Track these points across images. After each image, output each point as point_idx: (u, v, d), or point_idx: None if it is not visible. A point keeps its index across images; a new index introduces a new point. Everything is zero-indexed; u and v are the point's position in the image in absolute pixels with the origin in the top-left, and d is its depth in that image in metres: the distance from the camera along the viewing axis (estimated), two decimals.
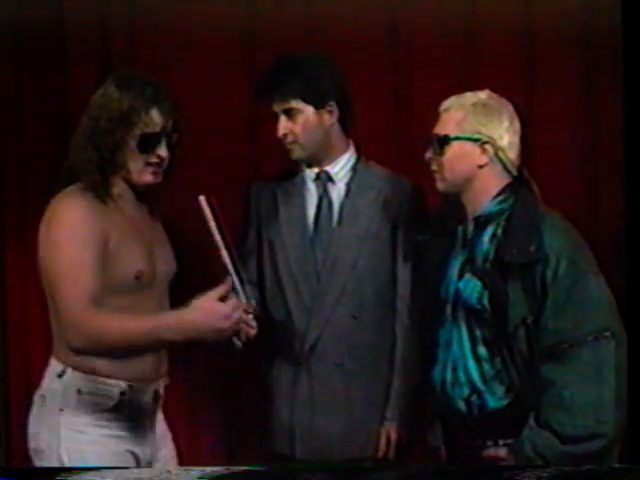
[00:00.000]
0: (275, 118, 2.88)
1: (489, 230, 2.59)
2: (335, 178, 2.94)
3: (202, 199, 2.57)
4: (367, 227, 2.89)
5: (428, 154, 2.63)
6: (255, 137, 3.45)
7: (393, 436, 2.90)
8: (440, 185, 2.63)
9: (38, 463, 2.56)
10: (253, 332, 2.68)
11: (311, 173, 2.95)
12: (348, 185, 2.93)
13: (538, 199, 2.62)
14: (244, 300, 2.65)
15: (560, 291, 2.47)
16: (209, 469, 2.29)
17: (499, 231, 2.57)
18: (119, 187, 2.58)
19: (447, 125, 2.60)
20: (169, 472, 2.44)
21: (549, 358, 2.47)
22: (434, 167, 2.63)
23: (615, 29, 3.06)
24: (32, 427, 2.60)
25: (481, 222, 2.60)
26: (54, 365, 2.55)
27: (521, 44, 3.39)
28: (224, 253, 2.59)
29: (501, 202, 2.59)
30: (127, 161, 2.53)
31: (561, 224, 2.57)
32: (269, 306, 2.94)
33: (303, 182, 2.96)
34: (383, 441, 2.90)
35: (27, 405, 3.65)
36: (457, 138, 2.58)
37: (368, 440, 2.90)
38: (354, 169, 2.95)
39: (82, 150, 2.54)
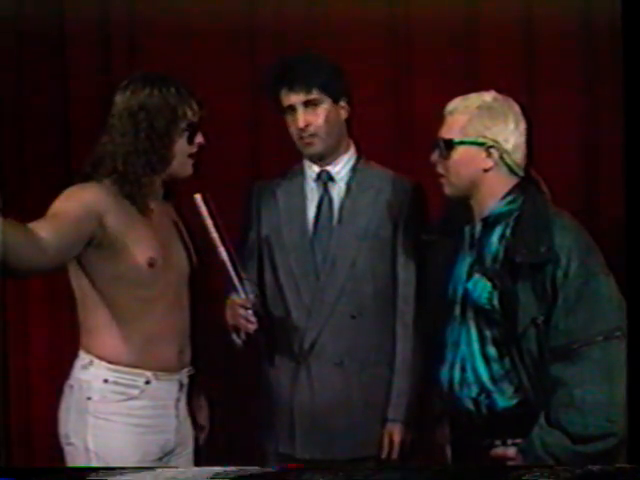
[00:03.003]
0: (282, 113, 2.86)
1: (498, 230, 2.58)
2: (336, 177, 2.93)
3: (198, 197, 2.61)
4: (367, 226, 2.89)
5: (434, 157, 2.61)
6: (255, 137, 3.46)
7: (396, 436, 2.89)
8: (447, 189, 2.62)
9: (67, 450, 2.65)
10: (252, 327, 2.71)
11: (312, 172, 2.95)
12: (348, 184, 2.93)
13: (548, 199, 2.62)
14: (242, 296, 2.67)
15: (571, 291, 2.47)
16: (222, 469, 2.31)
17: (508, 231, 2.57)
18: (155, 184, 2.66)
19: (452, 129, 2.58)
20: (182, 471, 2.47)
21: (559, 358, 2.47)
22: (440, 170, 2.61)
23: (615, 29, 3.06)
24: (62, 416, 2.66)
25: (489, 223, 2.59)
26: (82, 356, 2.64)
27: (521, 44, 3.41)
28: (221, 250, 2.61)
29: (510, 203, 2.59)
30: (174, 156, 2.63)
31: (571, 224, 2.57)
32: (269, 305, 2.94)
33: (304, 181, 2.96)
34: (386, 441, 2.89)
35: (27, 405, 3.68)
36: (462, 142, 2.57)
37: (369, 440, 2.89)
38: (354, 169, 2.95)
39: (141, 154, 2.60)
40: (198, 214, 2.63)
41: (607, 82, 3.29)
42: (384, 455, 2.89)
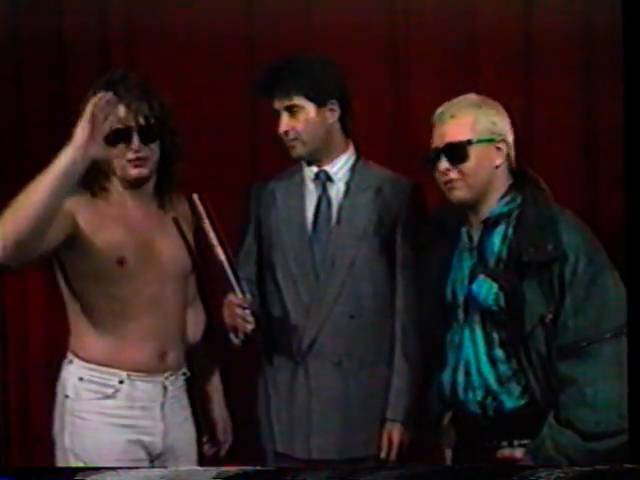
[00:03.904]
0: (275, 116, 2.87)
1: (499, 231, 2.58)
2: (334, 177, 2.93)
3: (195, 197, 2.63)
4: (365, 226, 2.89)
5: (444, 165, 2.57)
6: (255, 137, 3.47)
7: (395, 436, 2.88)
8: (461, 193, 2.58)
9: (57, 449, 2.68)
10: (250, 327, 2.72)
11: (310, 173, 2.94)
12: (347, 184, 2.93)
13: (549, 197, 2.61)
14: (240, 295, 2.68)
15: (580, 289, 2.48)
16: (223, 469, 2.32)
17: (510, 231, 2.57)
18: (114, 182, 2.67)
19: (461, 131, 2.56)
20: (182, 471, 2.47)
21: (569, 356, 2.48)
22: (454, 176, 2.57)
23: (615, 29, 3.06)
24: (54, 415, 2.70)
25: (490, 224, 2.59)
26: (67, 355, 2.69)
27: (520, 44, 3.41)
28: (219, 250, 2.63)
29: (509, 202, 2.58)
30: (112, 158, 2.63)
31: (575, 221, 2.58)
32: (268, 305, 2.94)
33: (302, 181, 2.95)
34: (385, 441, 2.89)
35: (26, 405, 3.68)
36: (479, 141, 2.56)
37: (367, 440, 2.89)
38: (353, 169, 2.94)
39: None
40: (196, 214, 2.65)
41: (607, 82, 3.28)
42: (383, 455, 2.88)
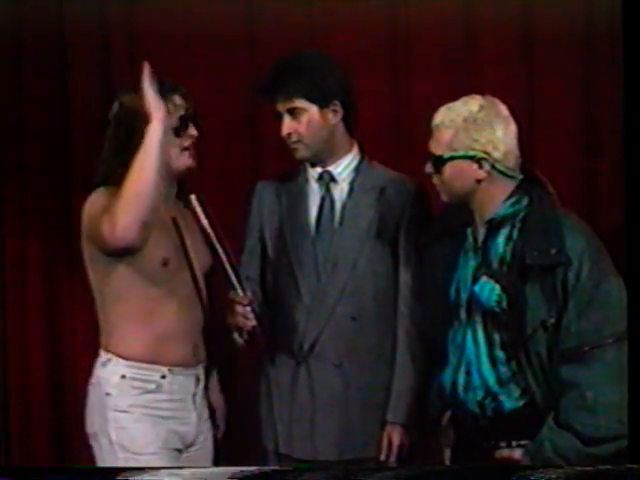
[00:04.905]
0: (277, 118, 2.87)
1: (504, 232, 2.58)
2: (338, 178, 2.93)
3: (193, 198, 2.65)
4: (368, 227, 2.88)
5: (428, 169, 2.61)
6: (255, 137, 3.47)
7: (395, 439, 2.88)
8: (444, 197, 2.63)
9: (94, 446, 2.73)
10: (251, 324, 2.73)
11: (314, 173, 2.94)
12: (351, 185, 2.92)
13: (555, 200, 2.61)
14: (240, 293, 2.69)
15: (583, 293, 2.47)
16: (238, 469, 2.35)
17: (515, 233, 2.56)
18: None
19: (440, 144, 2.57)
20: (198, 472, 2.48)
21: (571, 360, 2.48)
22: (435, 181, 2.62)
23: (615, 29, 3.07)
24: (88, 415, 2.74)
25: (494, 225, 2.59)
26: (101, 355, 2.72)
27: (521, 43, 3.42)
28: (218, 248, 2.64)
29: (514, 204, 2.58)
30: (166, 151, 2.64)
31: (580, 226, 2.57)
32: (270, 305, 2.94)
33: (306, 182, 2.95)
34: (385, 444, 2.89)
35: (27, 405, 3.69)
36: (451, 158, 2.56)
37: (367, 441, 2.89)
38: (357, 169, 2.93)
39: (119, 155, 2.64)
40: (195, 214, 2.67)
41: (607, 82, 3.30)
42: (383, 458, 2.88)
